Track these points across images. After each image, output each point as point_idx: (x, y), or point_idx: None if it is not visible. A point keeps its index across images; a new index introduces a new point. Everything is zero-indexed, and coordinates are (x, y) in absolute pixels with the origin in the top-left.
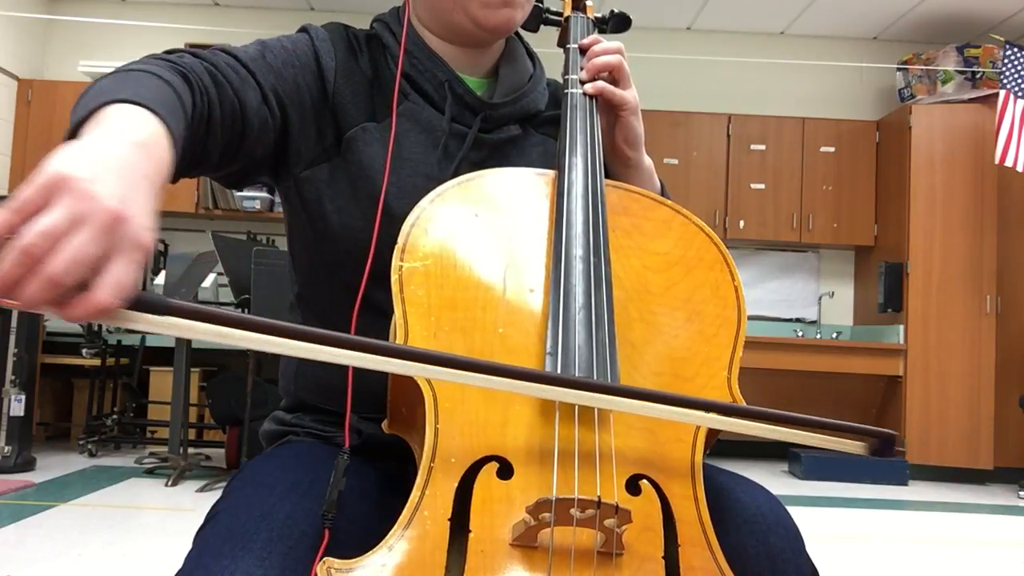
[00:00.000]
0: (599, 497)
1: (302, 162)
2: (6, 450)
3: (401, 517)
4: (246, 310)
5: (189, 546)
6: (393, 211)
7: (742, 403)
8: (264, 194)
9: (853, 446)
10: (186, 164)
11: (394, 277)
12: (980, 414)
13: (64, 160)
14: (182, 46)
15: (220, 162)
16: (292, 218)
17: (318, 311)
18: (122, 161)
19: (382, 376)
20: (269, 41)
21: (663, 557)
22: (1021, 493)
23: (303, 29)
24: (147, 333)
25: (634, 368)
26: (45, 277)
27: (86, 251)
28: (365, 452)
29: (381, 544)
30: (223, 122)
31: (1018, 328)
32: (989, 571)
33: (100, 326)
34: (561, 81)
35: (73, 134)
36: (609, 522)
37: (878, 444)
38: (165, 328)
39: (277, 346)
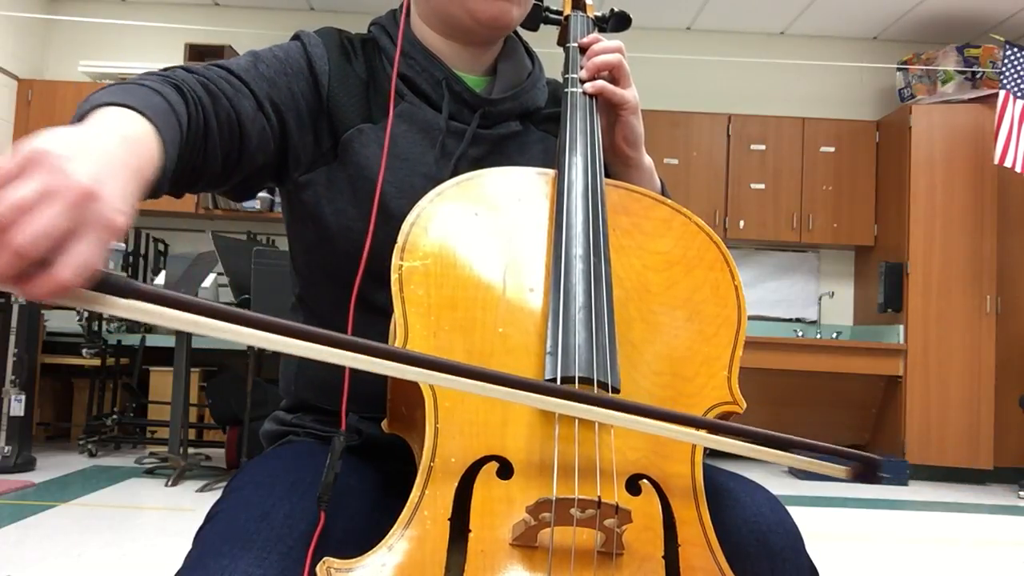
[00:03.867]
0: (599, 497)
1: (301, 167)
2: (6, 450)
3: (401, 517)
4: (246, 310)
5: (189, 546)
6: (392, 211)
7: (742, 403)
8: (264, 194)
9: (836, 470)
10: (188, 175)
11: (394, 276)
12: (980, 414)
13: (45, 138)
14: (182, 46)
15: (223, 173)
16: (292, 221)
17: (319, 312)
18: (104, 148)
19: (382, 376)
20: (261, 52)
21: (663, 557)
22: (1021, 493)
23: (296, 37)
24: (110, 315)
25: (634, 367)
26: (10, 248)
27: (53, 224)
28: (365, 452)
29: (381, 544)
30: (220, 132)
31: (1018, 328)
32: (989, 571)
33: (100, 325)
34: (561, 80)
35: None
36: (609, 522)
37: (860, 469)
38: (129, 312)
39: (246, 336)
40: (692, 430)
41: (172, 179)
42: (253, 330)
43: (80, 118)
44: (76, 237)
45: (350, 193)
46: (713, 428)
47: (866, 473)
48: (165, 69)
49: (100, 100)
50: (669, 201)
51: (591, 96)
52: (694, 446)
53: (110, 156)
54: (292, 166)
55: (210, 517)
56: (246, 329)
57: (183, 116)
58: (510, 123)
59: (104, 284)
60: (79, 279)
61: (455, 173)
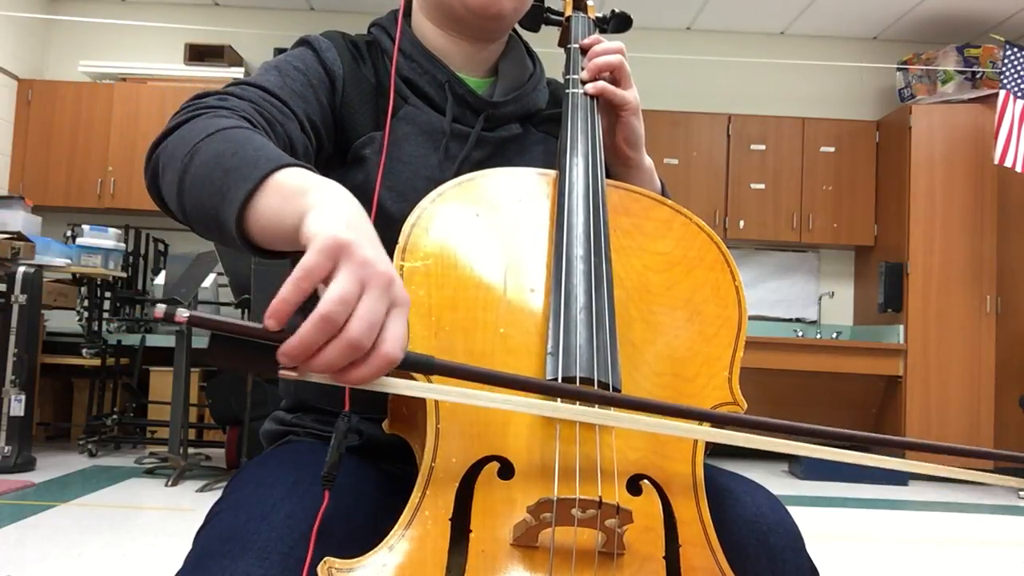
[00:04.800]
0: (600, 497)
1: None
2: (6, 450)
3: (402, 517)
4: (246, 310)
5: (189, 546)
6: (394, 213)
7: (743, 403)
8: None
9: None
10: None
11: None
12: (980, 414)
13: (329, 226)
14: (182, 46)
15: None
16: None
17: None
18: (366, 226)
19: None
20: (281, 65)
21: (664, 557)
22: (1021, 493)
23: (304, 42)
24: (409, 396)
25: (635, 368)
26: (346, 341)
27: (376, 313)
28: (366, 452)
29: (382, 544)
30: None
31: (1018, 328)
32: (989, 571)
33: (100, 325)
34: (562, 81)
35: (244, 205)
36: (610, 522)
37: None
38: (434, 393)
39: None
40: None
41: None
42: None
43: (255, 185)
44: (388, 318)
45: (356, 197)
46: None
47: None
48: (205, 95)
49: (264, 162)
50: (669, 202)
51: (592, 97)
52: (695, 446)
53: (372, 233)
54: None
55: (210, 517)
56: (548, 402)
57: None
58: (511, 125)
59: (409, 361)
60: (401, 353)
61: (458, 176)
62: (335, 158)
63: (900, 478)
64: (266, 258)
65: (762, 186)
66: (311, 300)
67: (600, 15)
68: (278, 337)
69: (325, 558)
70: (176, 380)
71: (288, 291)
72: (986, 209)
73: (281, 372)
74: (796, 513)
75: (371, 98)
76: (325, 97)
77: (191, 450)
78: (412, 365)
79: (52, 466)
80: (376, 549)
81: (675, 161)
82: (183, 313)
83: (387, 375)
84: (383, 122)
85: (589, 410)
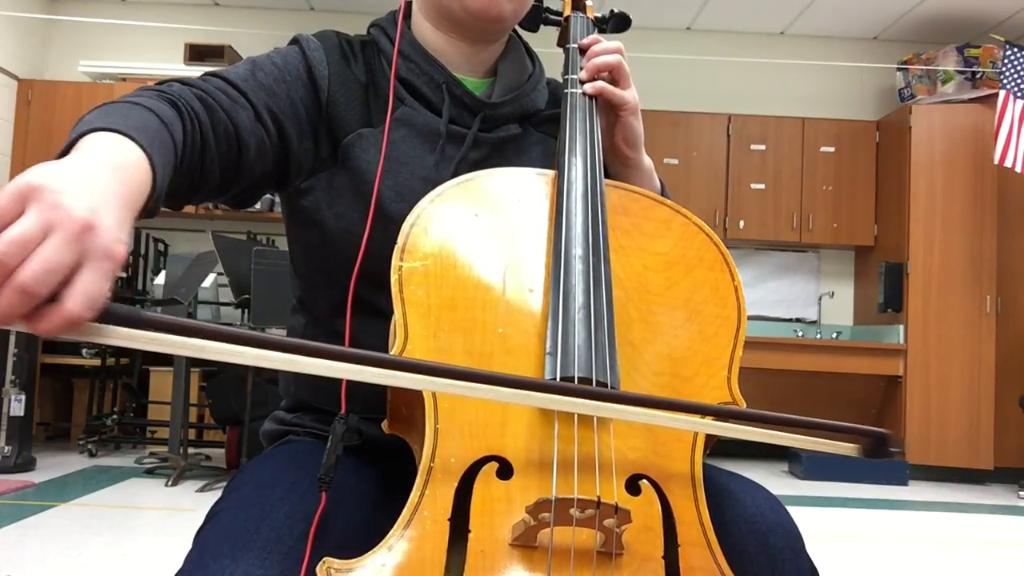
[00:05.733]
0: (599, 497)
1: (303, 174)
2: (6, 450)
3: (401, 517)
4: (246, 310)
5: (189, 546)
6: (392, 214)
7: (742, 403)
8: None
9: (846, 448)
10: (185, 189)
11: (394, 277)
12: (980, 414)
13: (36, 173)
14: (182, 46)
15: (222, 184)
16: (292, 225)
17: (319, 315)
18: (94, 179)
19: None
20: (259, 59)
21: (663, 557)
22: (1021, 493)
23: (295, 41)
24: (119, 346)
25: (634, 368)
26: (16, 286)
27: (57, 259)
28: (365, 452)
29: (381, 544)
30: (218, 145)
31: (1018, 328)
32: (989, 571)
33: None
34: (561, 81)
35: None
36: (609, 522)
37: (871, 444)
38: (134, 341)
39: (262, 359)
40: (695, 417)
41: (170, 193)
42: (261, 350)
43: (70, 144)
44: (80, 270)
45: (350, 197)
46: (714, 414)
47: (877, 448)
48: (162, 82)
49: (90, 125)
50: (669, 201)
51: (591, 97)
52: (694, 446)
53: (101, 187)
54: (294, 174)
55: (210, 517)
56: (254, 350)
57: (178, 132)
58: (509, 126)
59: (110, 315)
60: (88, 311)
61: (455, 176)
62: (323, 152)
63: (900, 478)
64: None
65: (762, 186)
66: None
67: (599, 15)
68: None
69: (324, 558)
70: (176, 380)
71: None
72: (986, 209)
73: None
74: (796, 513)
75: (359, 96)
76: (300, 95)
77: (191, 450)
78: (114, 320)
79: (52, 466)
80: (375, 549)
81: (675, 161)
82: None
83: (113, 325)
84: (375, 120)
85: (582, 402)
